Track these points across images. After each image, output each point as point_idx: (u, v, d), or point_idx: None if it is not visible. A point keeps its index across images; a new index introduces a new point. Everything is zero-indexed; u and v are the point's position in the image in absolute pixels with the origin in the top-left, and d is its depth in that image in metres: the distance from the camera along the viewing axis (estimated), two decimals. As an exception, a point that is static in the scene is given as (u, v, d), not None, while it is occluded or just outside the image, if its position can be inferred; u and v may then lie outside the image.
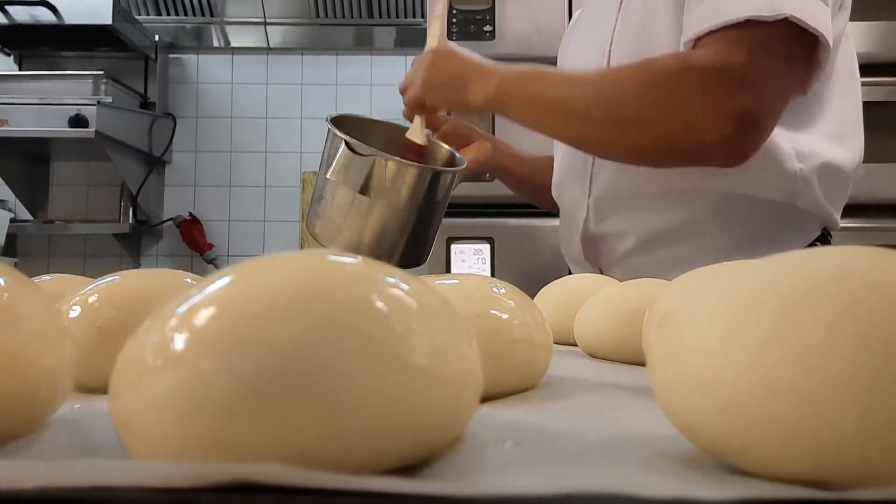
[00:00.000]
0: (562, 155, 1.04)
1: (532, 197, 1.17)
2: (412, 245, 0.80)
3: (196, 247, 2.40)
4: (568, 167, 1.01)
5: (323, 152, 0.81)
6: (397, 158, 0.77)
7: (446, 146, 0.93)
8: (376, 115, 0.94)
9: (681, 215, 0.90)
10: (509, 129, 1.14)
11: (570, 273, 0.99)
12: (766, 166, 0.82)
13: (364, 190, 0.75)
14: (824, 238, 0.93)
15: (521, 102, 0.82)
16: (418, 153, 0.88)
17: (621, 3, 0.94)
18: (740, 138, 0.74)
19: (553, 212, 1.15)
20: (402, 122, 0.96)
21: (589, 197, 0.96)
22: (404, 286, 0.24)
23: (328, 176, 0.76)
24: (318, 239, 0.81)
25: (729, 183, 0.85)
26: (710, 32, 0.75)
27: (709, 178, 0.85)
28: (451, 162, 0.90)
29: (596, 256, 1.00)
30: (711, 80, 0.73)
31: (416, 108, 0.88)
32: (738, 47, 0.72)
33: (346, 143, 0.75)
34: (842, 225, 0.97)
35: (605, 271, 0.99)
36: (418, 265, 0.82)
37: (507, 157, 1.08)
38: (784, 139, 0.82)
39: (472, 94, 0.83)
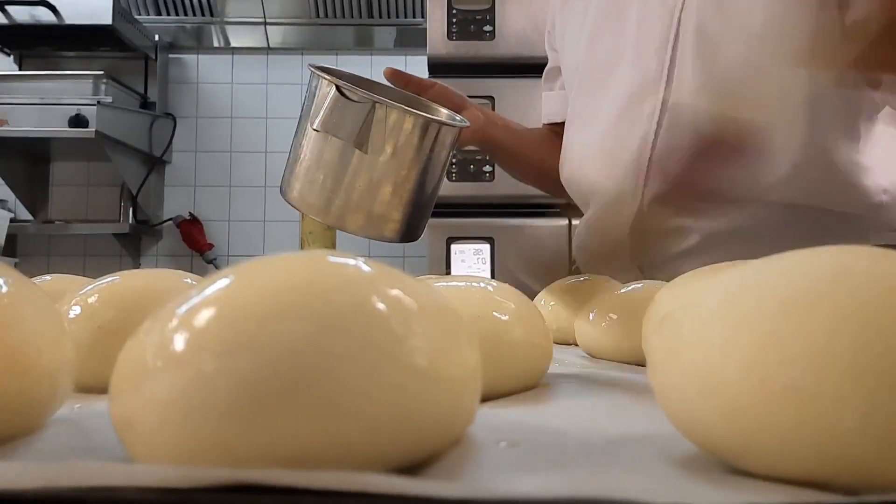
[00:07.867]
0: (589, 135, 0.90)
1: (527, 176, 1.06)
2: (410, 214, 0.69)
3: (196, 247, 2.40)
4: (601, 150, 0.88)
5: (303, 105, 0.69)
6: (399, 105, 0.65)
7: (443, 108, 0.83)
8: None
9: (752, 217, 0.82)
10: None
11: (576, 271, 0.93)
12: (847, 196, 0.80)
13: (359, 143, 0.63)
14: None
15: None
16: None
17: None
18: None
19: (552, 194, 1.04)
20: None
21: (645, 187, 0.84)
22: (404, 287, 0.24)
23: (314, 127, 0.63)
24: (298, 206, 0.69)
25: (803, 197, 0.80)
26: None
27: (797, 193, 0.80)
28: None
29: (643, 254, 0.88)
30: None
31: None
32: None
33: (337, 88, 0.62)
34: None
35: (647, 272, 0.88)
36: (414, 239, 0.72)
37: (500, 129, 0.95)
38: (871, 174, 0.81)
39: None
